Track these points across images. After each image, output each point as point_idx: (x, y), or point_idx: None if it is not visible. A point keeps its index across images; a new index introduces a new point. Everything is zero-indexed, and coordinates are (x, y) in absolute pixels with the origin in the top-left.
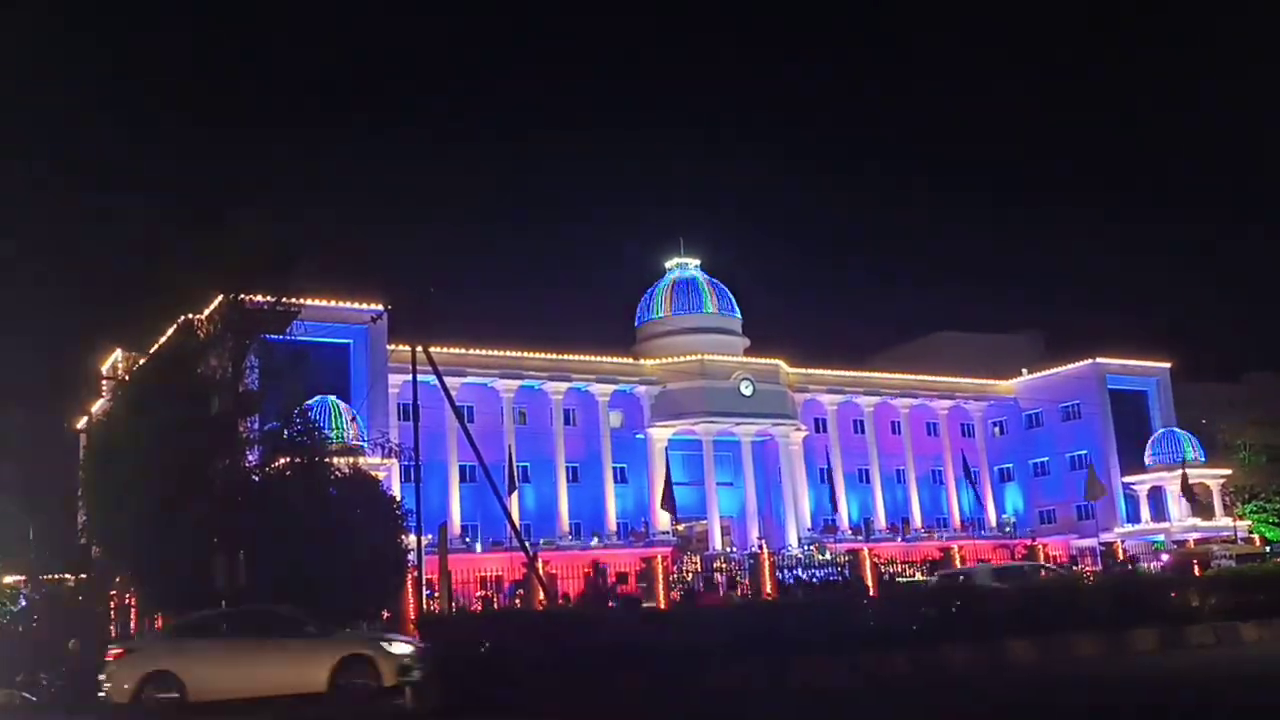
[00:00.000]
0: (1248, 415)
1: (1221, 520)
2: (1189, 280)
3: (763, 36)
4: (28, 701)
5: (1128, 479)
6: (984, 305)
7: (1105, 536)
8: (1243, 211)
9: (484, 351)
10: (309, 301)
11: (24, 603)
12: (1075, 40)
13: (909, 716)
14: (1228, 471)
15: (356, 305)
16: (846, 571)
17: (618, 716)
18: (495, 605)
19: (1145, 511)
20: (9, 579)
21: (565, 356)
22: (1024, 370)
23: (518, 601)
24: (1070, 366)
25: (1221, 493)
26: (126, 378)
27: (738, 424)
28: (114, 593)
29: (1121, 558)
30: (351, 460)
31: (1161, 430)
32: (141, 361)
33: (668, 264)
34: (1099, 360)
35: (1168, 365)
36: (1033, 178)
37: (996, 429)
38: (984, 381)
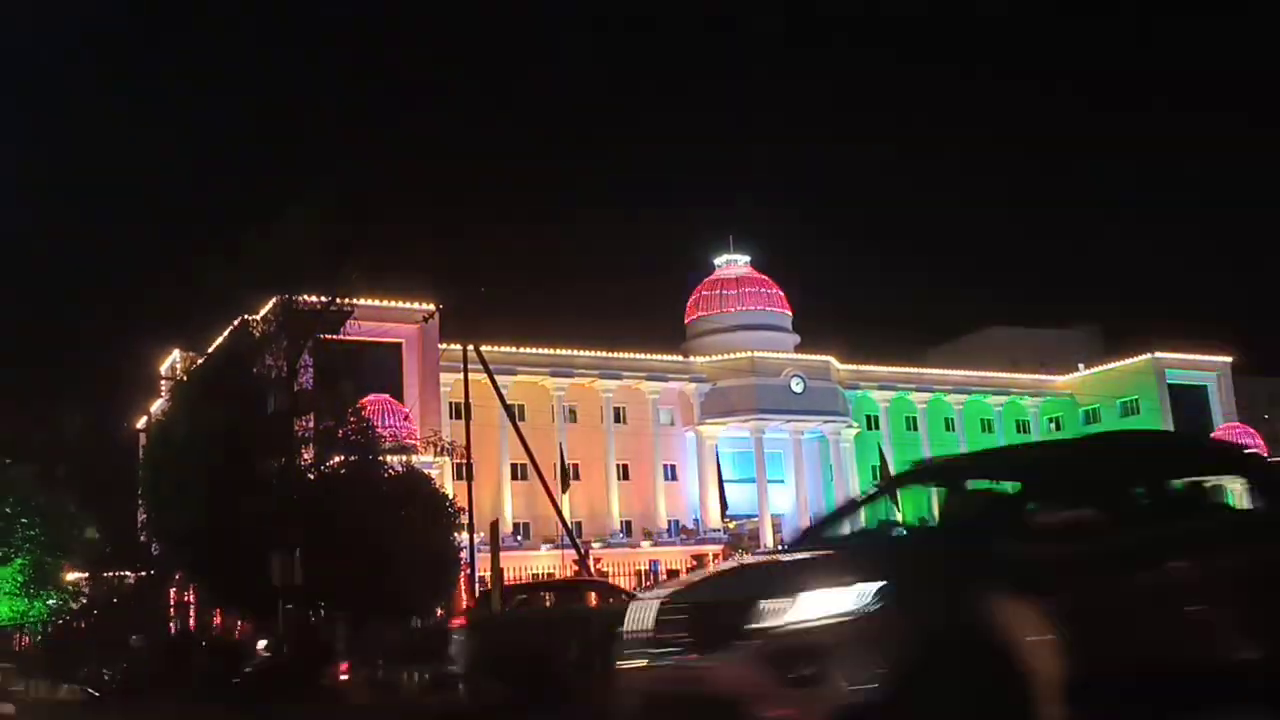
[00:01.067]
0: None
1: None
2: (1250, 271)
3: (813, 29)
4: (91, 696)
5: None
6: (1039, 299)
7: None
8: None
9: (534, 350)
10: (361, 301)
11: (85, 600)
12: (1132, 28)
13: None
14: None
15: (408, 305)
16: None
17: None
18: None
19: None
20: (71, 576)
21: (615, 354)
22: (1081, 365)
23: None
24: (1128, 361)
25: None
26: (184, 378)
27: (789, 421)
28: (174, 589)
29: None
30: (404, 458)
31: (1223, 425)
32: (199, 362)
33: (717, 260)
34: (1158, 354)
35: (1228, 359)
36: (1089, 169)
37: (1053, 425)
38: (1039, 377)
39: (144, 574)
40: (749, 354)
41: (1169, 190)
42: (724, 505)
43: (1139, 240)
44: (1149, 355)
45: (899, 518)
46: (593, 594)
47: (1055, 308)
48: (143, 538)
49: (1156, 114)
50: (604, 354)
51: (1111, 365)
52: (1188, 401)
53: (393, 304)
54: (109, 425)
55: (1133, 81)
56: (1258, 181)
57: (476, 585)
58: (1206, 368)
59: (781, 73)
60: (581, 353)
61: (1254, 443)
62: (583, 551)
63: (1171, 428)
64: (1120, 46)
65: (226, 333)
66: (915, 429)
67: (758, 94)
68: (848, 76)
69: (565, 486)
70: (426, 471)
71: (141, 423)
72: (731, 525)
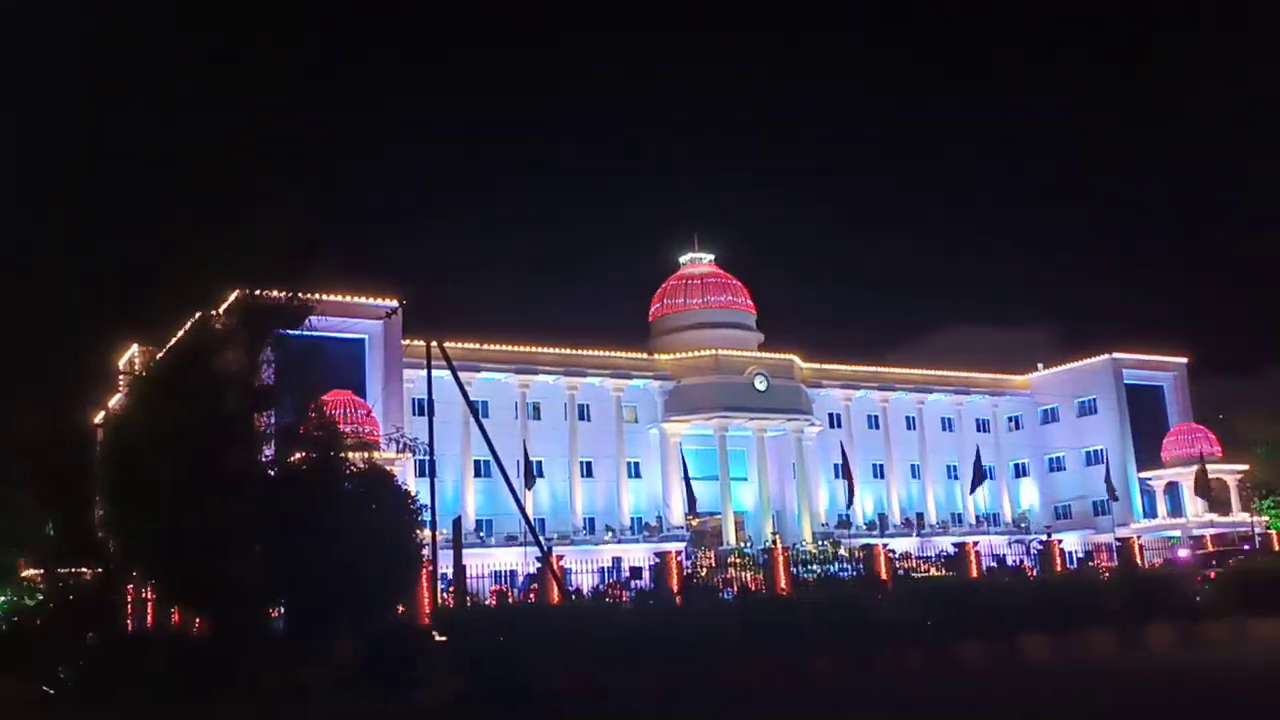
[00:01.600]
0: (1265, 411)
1: (1238, 516)
2: (1207, 274)
3: (778, 30)
4: (47, 694)
5: (1144, 474)
6: (999, 300)
7: (1121, 532)
8: (1264, 205)
9: (498, 346)
10: (324, 297)
11: (41, 596)
12: (1095, 30)
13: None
14: (1244, 467)
15: (371, 301)
16: (861, 567)
17: (632, 708)
18: (510, 599)
19: (1162, 507)
20: (27, 572)
21: (579, 351)
22: (1039, 365)
23: (532, 596)
24: (1086, 361)
25: (1238, 488)
26: (143, 372)
27: (752, 419)
28: (131, 586)
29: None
30: (366, 455)
31: (1178, 425)
32: (158, 356)
33: (682, 258)
34: (1115, 355)
35: (1184, 360)
36: (1050, 170)
37: (1012, 424)
38: (999, 376)
39: (101, 571)
40: (713, 352)
41: (1128, 193)
42: (692, 502)
43: (1099, 241)
44: (1107, 356)
45: None
46: None
47: (1016, 307)
48: (100, 534)
49: (1116, 116)
50: (568, 351)
51: (1070, 365)
52: (1144, 401)
53: (356, 300)
54: (66, 420)
55: (1093, 85)
56: (1214, 186)
57: (439, 582)
58: (1164, 368)
59: (748, 72)
60: (545, 350)
61: (1209, 443)
62: (545, 548)
63: (1129, 427)
64: (1074, 46)
65: (186, 327)
66: (877, 427)
67: (724, 94)
68: (814, 74)
69: (530, 484)
70: (389, 468)
71: (99, 418)
72: (695, 523)
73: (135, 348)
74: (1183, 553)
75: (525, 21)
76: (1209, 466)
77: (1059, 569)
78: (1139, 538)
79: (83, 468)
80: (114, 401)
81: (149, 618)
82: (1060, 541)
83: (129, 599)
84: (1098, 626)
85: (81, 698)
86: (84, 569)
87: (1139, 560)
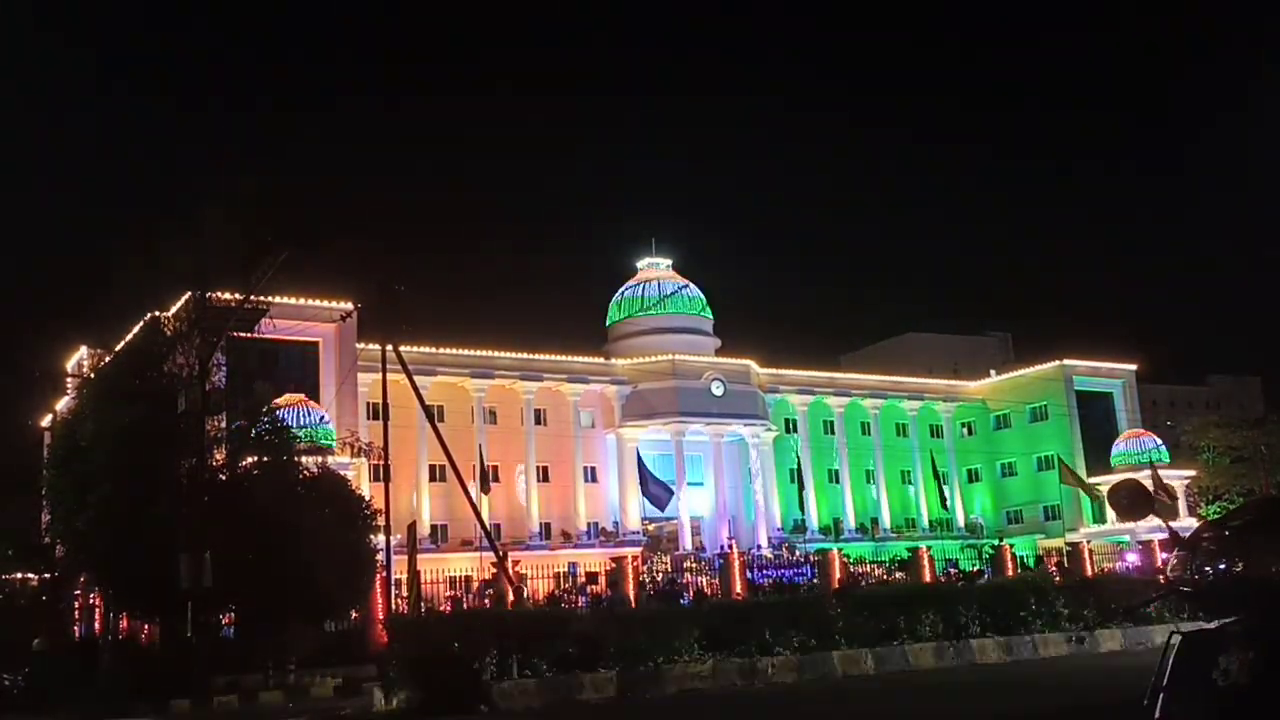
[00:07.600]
0: (1211, 417)
1: (1186, 520)
2: (1155, 283)
3: (737, 38)
4: None
5: (1093, 479)
6: (953, 307)
7: (1071, 537)
8: (1209, 218)
9: (454, 350)
10: (277, 299)
11: None
12: (1056, 36)
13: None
14: (1192, 472)
15: (326, 304)
16: (816, 572)
17: (586, 716)
18: (465, 605)
19: (1111, 511)
20: None
21: (536, 356)
22: (992, 371)
23: (487, 602)
24: (1037, 368)
25: (1186, 493)
26: (92, 375)
27: (709, 424)
28: (78, 592)
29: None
30: (319, 459)
31: (1127, 431)
32: (107, 359)
33: (640, 264)
34: (1066, 362)
35: (1133, 367)
36: (1004, 181)
37: (965, 430)
38: (952, 382)
39: (47, 576)
40: (670, 357)
41: (1079, 203)
42: (664, 503)
43: (1049, 250)
44: (1057, 363)
45: None
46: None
47: (969, 315)
48: (46, 539)
49: (1073, 124)
50: (525, 355)
51: (1022, 372)
52: (1094, 408)
53: (310, 302)
54: (12, 424)
55: (1042, 87)
56: (1164, 197)
57: (393, 587)
58: (1113, 375)
59: (704, 81)
60: (502, 354)
61: (1156, 447)
62: (501, 554)
63: (1079, 433)
64: (1037, 55)
65: (136, 329)
66: (832, 433)
67: (682, 100)
68: (764, 85)
69: (486, 489)
70: (343, 473)
71: (46, 420)
72: (650, 528)
73: (84, 350)
74: (1131, 557)
75: (491, 36)
76: (1158, 472)
77: (1011, 573)
78: (1089, 542)
79: (29, 471)
80: (62, 404)
81: (97, 623)
82: (1011, 546)
83: (77, 604)
84: (1049, 630)
85: (28, 704)
86: (30, 574)
87: (1088, 565)
